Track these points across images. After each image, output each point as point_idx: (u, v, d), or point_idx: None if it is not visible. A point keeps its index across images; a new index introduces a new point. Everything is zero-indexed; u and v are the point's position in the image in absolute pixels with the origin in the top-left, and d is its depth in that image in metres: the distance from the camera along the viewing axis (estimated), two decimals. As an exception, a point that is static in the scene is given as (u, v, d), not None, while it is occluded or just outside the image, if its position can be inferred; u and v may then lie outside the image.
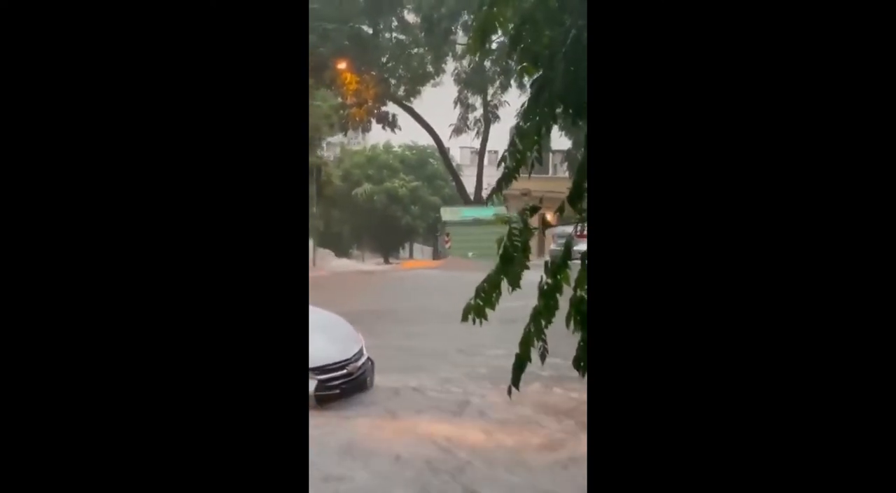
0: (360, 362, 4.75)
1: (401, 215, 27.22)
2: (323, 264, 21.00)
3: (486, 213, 19.83)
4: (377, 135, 26.09)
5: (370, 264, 23.70)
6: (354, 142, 31.73)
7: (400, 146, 29.96)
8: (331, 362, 4.54)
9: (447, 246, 21.36)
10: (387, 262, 28.37)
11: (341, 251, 25.42)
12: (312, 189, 21.72)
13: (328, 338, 4.84)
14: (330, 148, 31.39)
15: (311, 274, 18.35)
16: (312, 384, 4.30)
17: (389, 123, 22.19)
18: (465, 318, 2.29)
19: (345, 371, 4.57)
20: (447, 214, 22.34)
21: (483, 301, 2.25)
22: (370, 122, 22.27)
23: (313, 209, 22.14)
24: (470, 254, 18.75)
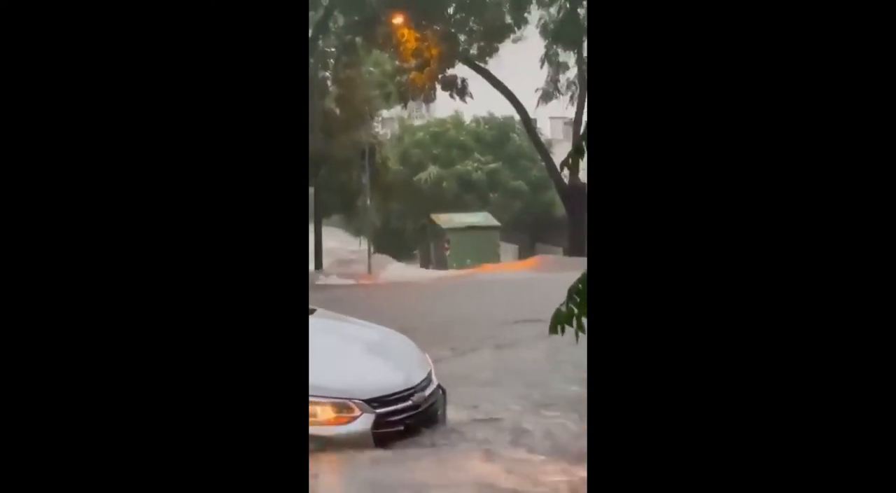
0: (428, 391, 4.75)
1: (477, 206, 27.26)
2: (379, 269, 21.23)
3: (477, 219, 23.28)
4: (444, 105, 26.15)
5: (439, 268, 23.80)
6: (416, 115, 31.91)
7: (473, 119, 30.05)
8: (392, 391, 4.53)
9: (447, 252, 22.81)
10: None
11: (402, 254, 25.61)
12: (364, 177, 22.05)
13: (389, 362, 4.84)
14: (386, 124, 31.69)
15: (365, 282, 18.49)
16: (369, 420, 4.31)
17: (458, 89, 22.07)
18: (553, 329, 2.25)
19: (410, 403, 4.56)
20: (441, 220, 23.91)
21: (578, 306, 2.24)
22: (434, 89, 22.31)
23: (366, 202, 22.51)
24: (468, 261, 21.23)
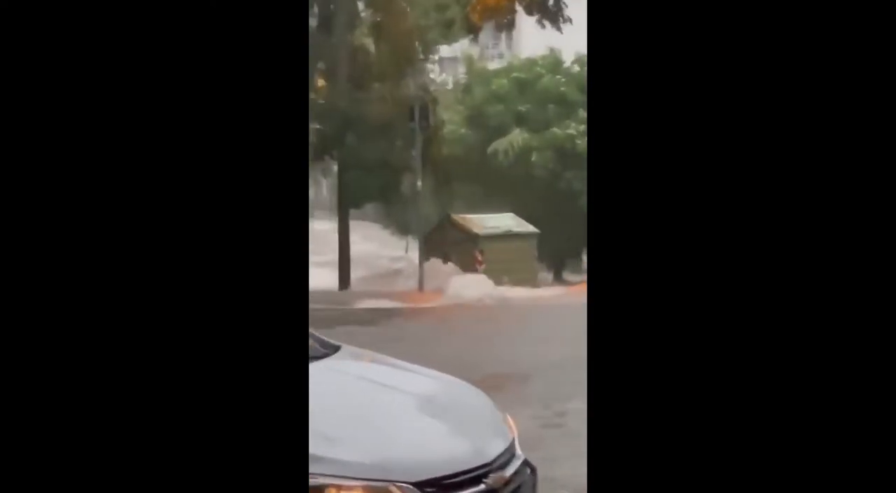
0: (509, 470, 4.74)
1: (583, 189, 27.08)
2: (438, 285, 21.21)
3: (508, 222, 24.86)
4: (532, 38, 26.13)
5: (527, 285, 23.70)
6: (492, 53, 31.84)
7: (577, 58, 29.90)
8: (456, 470, 4.54)
9: (480, 268, 22.65)
10: (559, 279, 28.15)
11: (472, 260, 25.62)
12: (413, 148, 22.06)
13: (451, 426, 4.82)
14: (447, 67, 31.62)
15: (416, 305, 18.43)
16: (423, 510, 4.33)
17: (551, 13, 22.02)
18: None
19: (482, 486, 4.58)
20: (471, 224, 24.09)
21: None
22: (514, 12, 22.23)
23: (417, 184, 22.52)
24: (505, 278, 21.90)
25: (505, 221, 24.47)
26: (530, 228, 24.54)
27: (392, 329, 14.36)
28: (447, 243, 23.56)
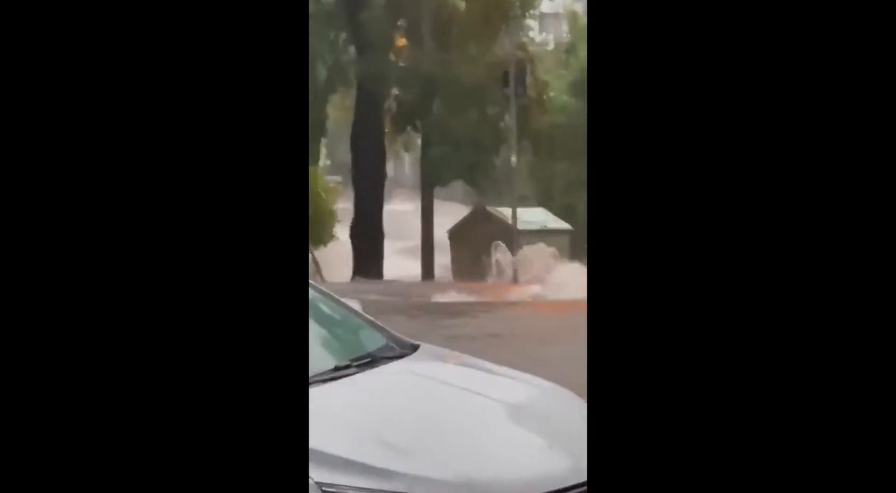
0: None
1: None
2: (533, 271, 21.15)
3: (541, 217, 26.57)
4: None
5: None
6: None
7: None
8: (553, 487, 4.51)
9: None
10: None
11: (577, 248, 25.50)
12: (506, 116, 22.01)
13: (546, 437, 4.78)
14: (547, 25, 31.73)
15: (511, 298, 18.46)
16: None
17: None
18: None
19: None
20: (509, 217, 25.07)
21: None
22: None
23: (511, 159, 22.48)
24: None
25: (539, 216, 25.25)
26: (564, 224, 25.95)
27: (480, 324, 14.34)
28: (478, 236, 23.55)
